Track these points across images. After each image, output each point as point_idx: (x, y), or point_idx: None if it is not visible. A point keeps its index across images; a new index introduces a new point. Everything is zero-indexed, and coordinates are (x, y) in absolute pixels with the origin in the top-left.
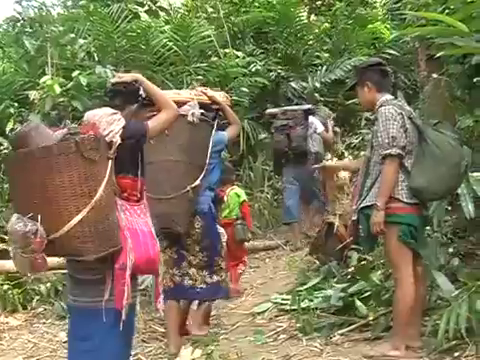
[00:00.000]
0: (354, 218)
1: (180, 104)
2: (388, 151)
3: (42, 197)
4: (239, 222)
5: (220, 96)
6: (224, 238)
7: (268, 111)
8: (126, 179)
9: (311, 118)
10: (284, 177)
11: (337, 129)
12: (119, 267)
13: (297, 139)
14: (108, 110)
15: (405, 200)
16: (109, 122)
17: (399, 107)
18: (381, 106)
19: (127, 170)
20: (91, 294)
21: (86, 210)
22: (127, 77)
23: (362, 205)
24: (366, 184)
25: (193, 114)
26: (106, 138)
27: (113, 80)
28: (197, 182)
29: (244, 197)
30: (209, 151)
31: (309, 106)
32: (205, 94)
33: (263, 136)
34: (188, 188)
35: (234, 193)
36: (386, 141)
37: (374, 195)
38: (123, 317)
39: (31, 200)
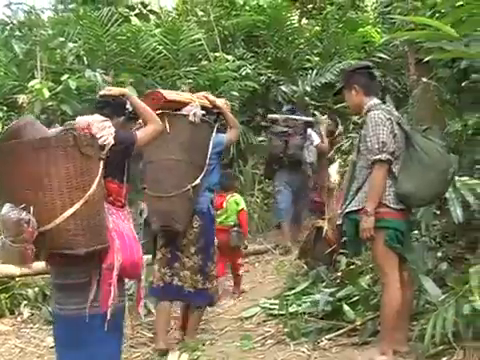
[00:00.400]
0: (339, 222)
1: (182, 105)
2: (378, 156)
3: (36, 188)
4: (235, 229)
5: (221, 102)
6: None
7: (270, 116)
8: (113, 184)
9: (309, 130)
10: (276, 181)
11: (340, 128)
12: (106, 267)
13: (294, 147)
14: (99, 117)
15: (392, 205)
16: (100, 128)
17: (388, 112)
18: (369, 111)
19: (114, 175)
20: (76, 300)
21: (80, 203)
22: (115, 91)
23: (347, 209)
24: (352, 188)
25: (195, 114)
26: (99, 141)
27: (102, 92)
28: (197, 181)
29: (243, 205)
30: (209, 152)
31: (310, 119)
32: (207, 98)
33: (259, 139)
34: (189, 187)
35: (233, 200)
36: (376, 146)
37: (360, 200)
38: (108, 317)
39: (24, 190)
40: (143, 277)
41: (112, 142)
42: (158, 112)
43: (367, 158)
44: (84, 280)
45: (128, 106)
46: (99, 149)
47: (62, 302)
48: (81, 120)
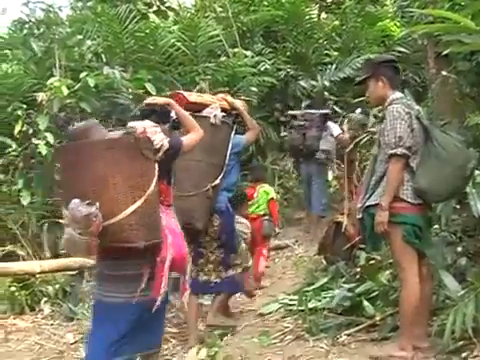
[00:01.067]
0: (359, 216)
1: (203, 106)
2: (394, 151)
3: (102, 185)
4: (267, 218)
5: (239, 103)
6: (248, 230)
7: (290, 112)
8: (162, 185)
9: (329, 122)
10: (301, 173)
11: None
12: (160, 260)
13: (311, 139)
14: (149, 123)
15: (410, 200)
16: (152, 133)
17: (407, 106)
18: (391, 104)
19: (163, 177)
20: (126, 290)
21: (141, 200)
22: (160, 100)
23: (367, 204)
24: (371, 182)
25: (215, 116)
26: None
27: (147, 101)
28: (217, 181)
29: (272, 195)
30: (228, 152)
31: (327, 111)
32: (225, 100)
33: (282, 134)
34: (209, 186)
35: (263, 191)
36: (393, 140)
37: (379, 194)
38: (157, 303)
39: (90, 187)
40: (188, 271)
41: (167, 146)
42: None
43: (385, 152)
44: (135, 272)
45: (172, 115)
46: (154, 152)
47: (111, 290)
48: (138, 124)
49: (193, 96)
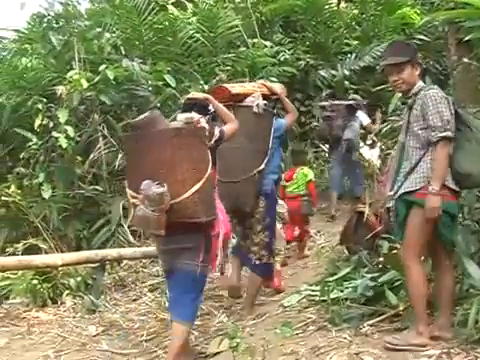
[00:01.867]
0: (389, 205)
1: (245, 96)
2: (444, 134)
3: (170, 168)
4: (305, 199)
5: (278, 87)
6: (284, 209)
7: (320, 104)
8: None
9: (358, 112)
10: (331, 157)
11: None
12: (214, 235)
13: (337, 128)
14: (196, 114)
15: (452, 186)
16: (204, 123)
17: (441, 92)
18: (420, 90)
19: (212, 162)
20: (184, 261)
21: (203, 180)
22: (199, 95)
23: (402, 191)
24: (402, 170)
25: (258, 105)
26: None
27: (188, 96)
28: (262, 166)
29: (311, 177)
30: (271, 138)
31: (351, 102)
32: (265, 86)
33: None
34: (255, 172)
35: (302, 172)
36: (439, 124)
37: (415, 181)
38: (217, 273)
39: (159, 170)
40: (230, 245)
41: (218, 135)
42: (224, 104)
43: (424, 137)
44: (195, 245)
45: (210, 108)
46: (208, 139)
47: (172, 261)
48: (181, 116)
49: (236, 88)
